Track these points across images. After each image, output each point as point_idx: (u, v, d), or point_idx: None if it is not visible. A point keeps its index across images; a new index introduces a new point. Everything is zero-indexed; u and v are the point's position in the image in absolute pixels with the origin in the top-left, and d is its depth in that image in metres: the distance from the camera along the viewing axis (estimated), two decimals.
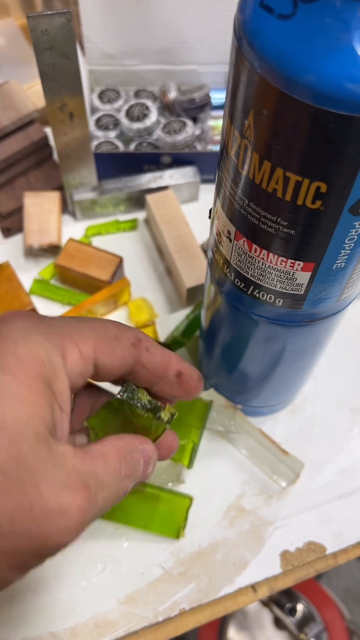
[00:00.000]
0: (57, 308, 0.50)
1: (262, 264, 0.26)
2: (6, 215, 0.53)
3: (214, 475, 0.43)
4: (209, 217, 0.33)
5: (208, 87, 0.58)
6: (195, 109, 0.57)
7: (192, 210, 0.56)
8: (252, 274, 0.27)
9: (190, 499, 0.40)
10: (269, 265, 0.26)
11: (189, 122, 0.56)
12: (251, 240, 0.25)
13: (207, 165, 0.56)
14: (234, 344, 0.37)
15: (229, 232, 0.27)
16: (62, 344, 0.23)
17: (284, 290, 0.27)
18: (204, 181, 0.57)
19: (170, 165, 0.55)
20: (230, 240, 0.27)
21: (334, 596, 0.90)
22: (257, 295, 0.28)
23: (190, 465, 0.40)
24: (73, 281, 0.50)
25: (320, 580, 0.94)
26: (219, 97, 0.59)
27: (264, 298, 0.28)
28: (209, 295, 0.36)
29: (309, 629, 0.84)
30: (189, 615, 0.38)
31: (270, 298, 0.28)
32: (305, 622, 0.85)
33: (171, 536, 0.39)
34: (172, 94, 0.58)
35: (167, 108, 0.59)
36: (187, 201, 0.57)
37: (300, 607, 0.86)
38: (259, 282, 0.27)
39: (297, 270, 0.25)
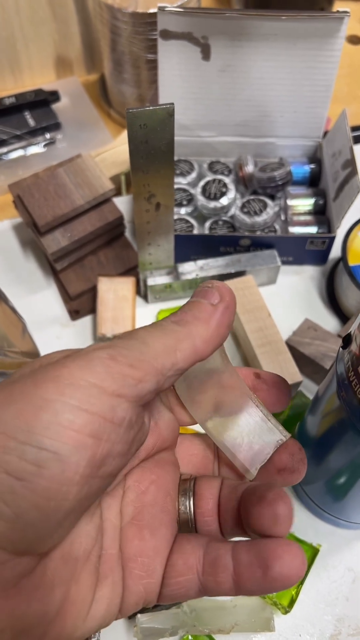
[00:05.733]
0: None
1: None
2: (75, 297, 0.50)
3: (304, 611, 0.39)
4: (343, 347, 0.30)
5: (288, 163, 0.55)
6: (275, 187, 0.54)
7: (269, 294, 0.52)
8: None
9: None
10: None
11: (270, 202, 0.53)
12: None
13: (287, 248, 0.52)
14: (347, 467, 0.34)
15: None
16: None
17: None
18: (283, 263, 0.54)
19: (248, 248, 0.52)
20: None
21: None
22: None
23: (290, 608, 0.37)
24: None
25: None
26: (297, 172, 0.56)
27: None
28: (328, 405, 0.33)
29: None
30: None
31: None
32: None
33: None
34: (249, 168, 0.55)
35: (242, 182, 0.55)
36: (265, 284, 0.53)
37: None
38: None
39: None
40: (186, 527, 0.25)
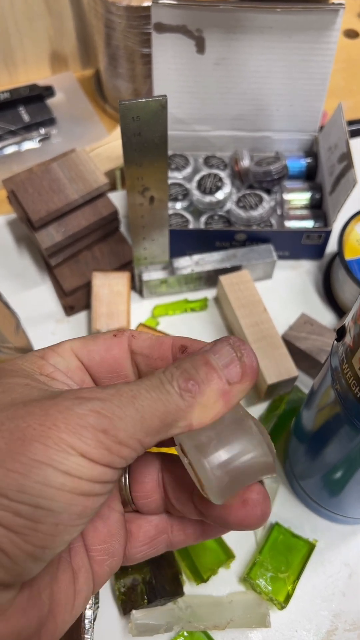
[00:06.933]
0: None
1: None
2: (69, 293, 0.50)
3: (300, 606, 0.39)
4: (337, 340, 0.30)
5: (284, 157, 0.54)
6: (271, 181, 0.53)
7: (265, 289, 0.52)
8: None
9: None
10: None
11: (265, 197, 0.52)
12: None
13: (283, 242, 0.52)
14: (343, 461, 0.34)
15: None
16: (39, 353, 0.24)
17: None
18: (279, 257, 0.53)
19: (244, 243, 0.52)
20: None
21: None
22: None
23: (285, 604, 0.36)
24: None
25: None
26: (293, 166, 0.56)
27: None
28: (323, 399, 0.33)
29: None
30: None
31: None
32: None
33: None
34: (245, 162, 0.55)
35: (238, 176, 0.55)
36: (261, 279, 0.53)
37: None
38: None
39: None
40: (126, 503, 0.26)
